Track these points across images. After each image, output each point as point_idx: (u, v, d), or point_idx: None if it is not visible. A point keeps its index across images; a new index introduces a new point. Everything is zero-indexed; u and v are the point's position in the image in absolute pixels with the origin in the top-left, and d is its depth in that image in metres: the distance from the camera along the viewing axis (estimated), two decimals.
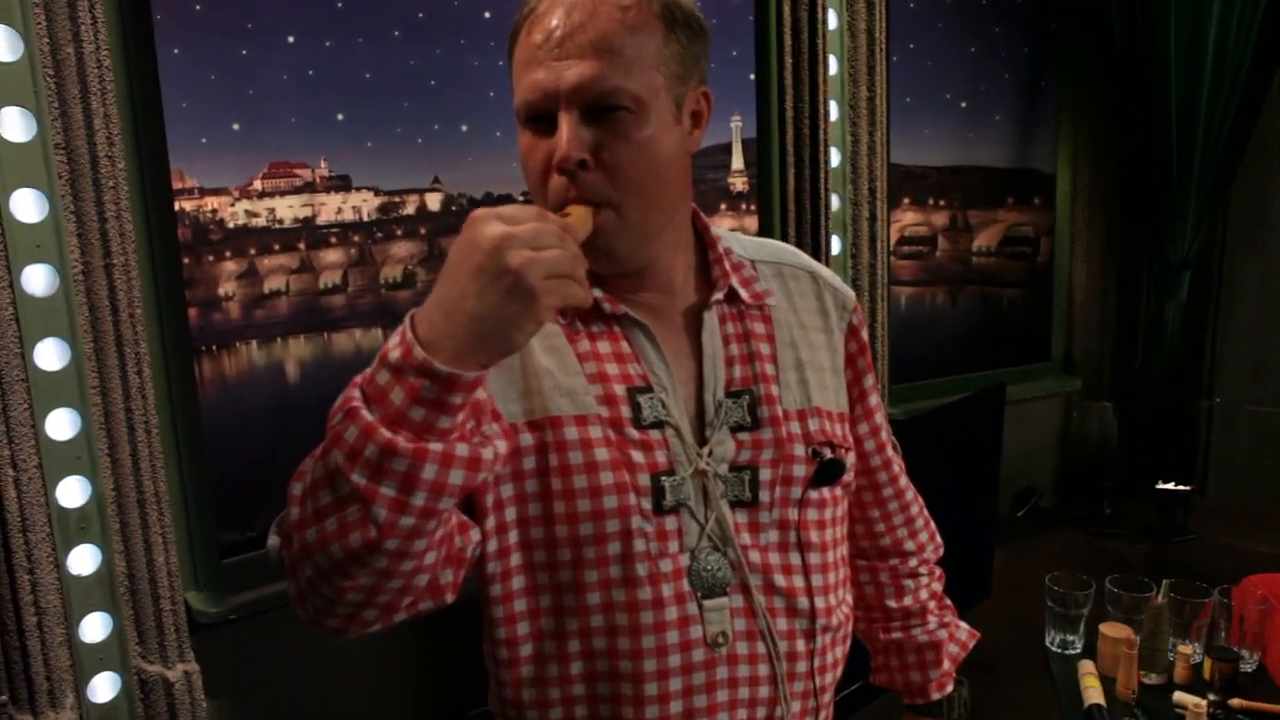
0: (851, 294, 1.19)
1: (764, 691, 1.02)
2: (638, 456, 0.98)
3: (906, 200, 3.19)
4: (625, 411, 0.99)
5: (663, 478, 0.98)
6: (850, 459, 1.12)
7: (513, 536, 0.99)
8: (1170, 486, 2.83)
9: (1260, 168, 3.31)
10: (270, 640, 1.96)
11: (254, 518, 2.07)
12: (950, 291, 3.35)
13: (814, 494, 1.05)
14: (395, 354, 0.77)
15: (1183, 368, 3.37)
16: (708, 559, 1.00)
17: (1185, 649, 1.93)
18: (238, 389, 2.06)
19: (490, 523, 0.98)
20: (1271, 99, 3.13)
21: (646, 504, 0.97)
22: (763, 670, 1.02)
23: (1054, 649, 2.10)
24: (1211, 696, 1.83)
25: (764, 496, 1.02)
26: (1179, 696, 1.85)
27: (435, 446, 0.76)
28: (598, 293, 1.00)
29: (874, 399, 1.21)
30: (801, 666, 1.04)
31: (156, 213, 1.83)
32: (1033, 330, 3.54)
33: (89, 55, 1.52)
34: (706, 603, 0.99)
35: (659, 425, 0.99)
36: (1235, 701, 1.82)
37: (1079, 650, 2.07)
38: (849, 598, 1.15)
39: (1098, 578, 2.09)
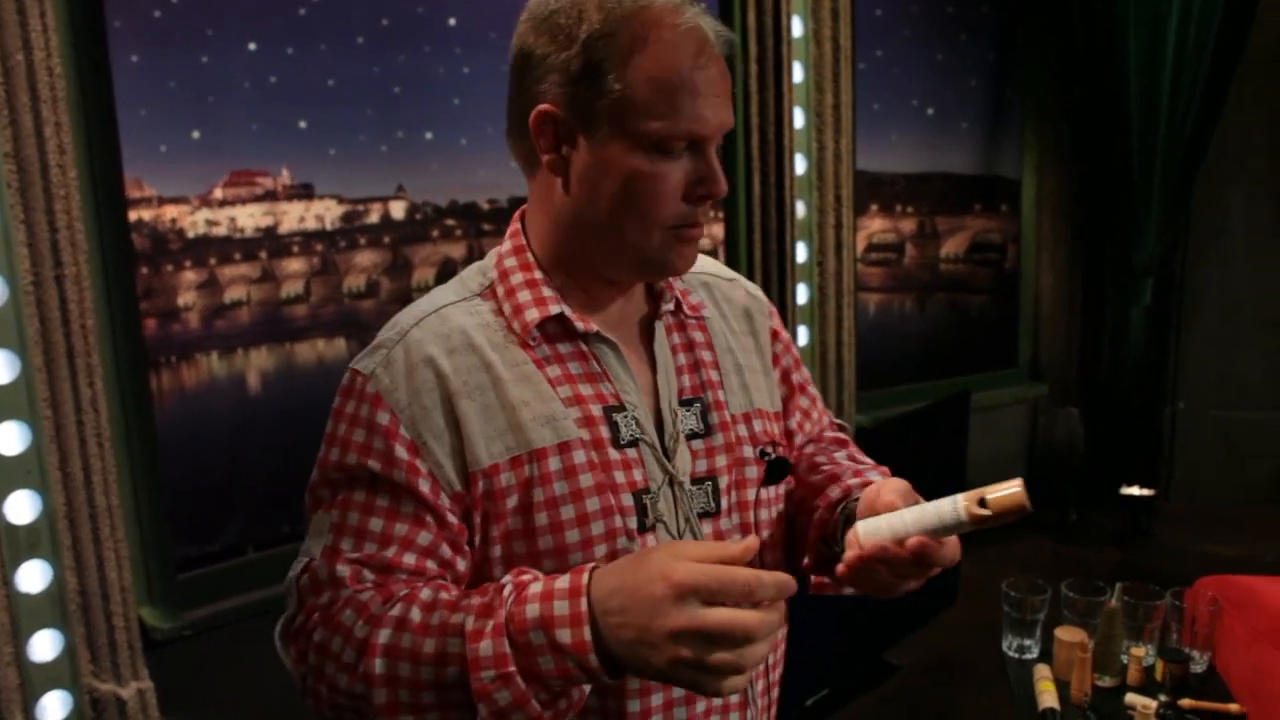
0: (765, 297, 1.22)
1: (734, 697, 1.05)
2: (620, 477, 0.98)
3: (875, 207, 3.21)
4: (604, 431, 0.99)
5: (644, 496, 0.99)
6: (790, 456, 1.15)
7: (497, 573, 0.97)
8: (1134, 491, 2.85)
9: (1219, 177, 3.35)
10: (228, 655, 1.93)
11: (216, 531, 2.04)
12: (919, 298, 3.37)
13: (764, 493, 1.07)
14: (564, 636, 0.81)
15: (1147, 373, 3.40)
16: None
17: (1138, 651, 1.95)
18: (198, 400, 2.03)
19: (466, 565, 0.97)
20: (1228, 108, 3.17)
21: (632, 523, 0.98)
22: None
23: (1011, 654, 2.11)
24: (1162, 697, 1.85)
25: (724, 504, 1.04)
26: (1130, 698, 1.86)
27: (562, 705, 0.84)
28: (567, 311, 1.00)
29: (810, 390, 1.24)
30: (761, 665, 1.07)
31: (110, 222, 1.80)
32: (1000, 336, 3.57)
33: (39, 62, 1.50)
34: None
35: (635, 443, 1.00)
36: (1185, 702, 1.84)
37: (1035, 655, 2.08)
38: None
39: (1062, 583, 2.10)
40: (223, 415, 2.06)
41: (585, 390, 1.00)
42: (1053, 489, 3.14)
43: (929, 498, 0.94)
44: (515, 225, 1.07)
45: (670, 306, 1.07)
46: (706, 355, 1.09)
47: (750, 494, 1.06)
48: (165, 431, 1.94)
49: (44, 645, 1.58)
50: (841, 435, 1.26)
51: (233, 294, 2.06)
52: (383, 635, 0.85)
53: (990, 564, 2.58)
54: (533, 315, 0.99)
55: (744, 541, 0.83)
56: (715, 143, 0.98)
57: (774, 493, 1.09)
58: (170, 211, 1.96)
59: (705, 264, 1.19)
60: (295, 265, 2.14)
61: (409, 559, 0.92)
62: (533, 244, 1.04)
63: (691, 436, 1.04)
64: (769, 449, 1.08)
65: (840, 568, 0.96)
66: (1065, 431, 3.18)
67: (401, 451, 0.93)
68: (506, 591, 0.85)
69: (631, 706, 0.99)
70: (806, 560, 1.10)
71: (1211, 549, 2.75)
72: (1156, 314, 3.38)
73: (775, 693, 1.15)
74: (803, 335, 2.71)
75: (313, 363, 2.19)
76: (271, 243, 2.09)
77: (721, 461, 1.04)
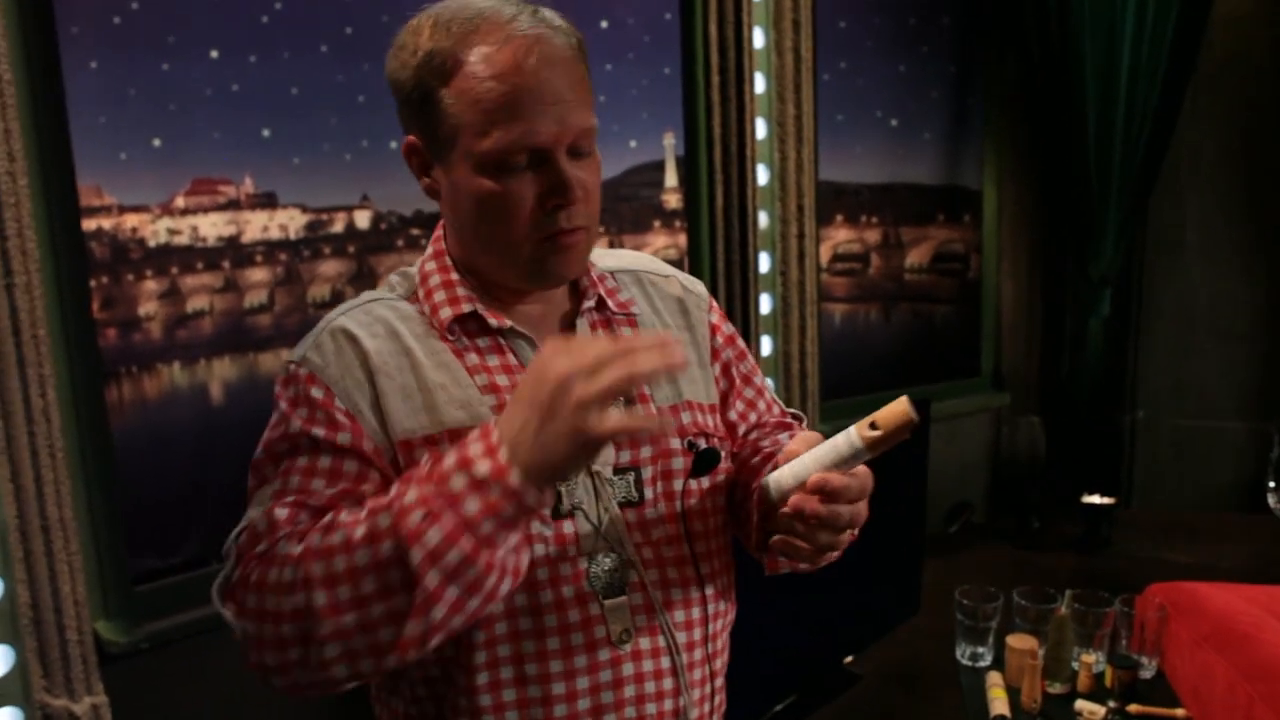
0: (704, 291, 1.24)
1: (667, 684, 1.05)
2: None
3: (840, 217, 3.24)
4: None
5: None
6: (726, 447, 1.16)
7: None
8: (1095, 500, 2.89)
9: (1174, 189, 3.41)
10: (185, 669, 1.91)
11: (178, 543, 2.02)
12: (884, 308, 3.40)
13: (694, 484, 1.09)
14: (483, 468, 0.82)
15: (1106, 382, 3.45)
16: (604, 560, 1.03)
17: (1088, 658, 1.98)
18: (159, 411, 2.01)
19: None
20: (1182, 122, 3.24)
21: (545, 510, 0.98)
22: (665, 663, 1.05)
23: (964, 662, 2.12)
24: (1111, 704, 1.88)
25: (648, 494, 1.06)
26: (1080, 705, 1.89)
27: (499, 556, 0.85)
28: (479, 307, 1.04)
29: (756, 380, 1.25)
30: (698, 654, 1.08)
31: (63, 230, 1.78)
32: (963, 346, 3.61)
33: None
34: (607, 602, 1.02)
35: None
36: (1133, 707, 1.87)
37: (988, 662, 2.10)
38: (733, 581, 1.17)
39: (1014, 590, 2.12)
40: (185, 426, 2.04)
41: (501, 380, 1.03)
42: (1015, 497, 3.18)
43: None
44: (439, 231, 1.11)
45: (591, 304, 1.10)
46: None
47: (678, 484, 1.07)
48: (126, 443, 1.92)
49: None
50: (789, 421, 1.27)
51: (195, 304, 2.04)
52: (314, 539, 0.88)
53: (953, 573, 2.61)
54: (447, 313, 1.03)
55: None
56: (563, 147, 0.97)
57: (705, 484, 1.10)
58: (131, 220, 1.94)
59: (640, 260, 1.21)
60: (259, 275, 2.13)
61: (348, 510, 0.91)
62: (450, 250, 1.08)
63: None
64: (697, 440, 1.10)
65: (772, 539, 0.99)
66: (1027, 440, 3.23)
67: (340, 417, 0.97)
68: (423, 460, 0.88)
69: (558, 711, 1.00)
70: (754, 542, 1.11)
71: (1169, 556, 2.79)
72: (1115, 324, 3.43)
73: (719, 688, 1.13)
74: (766, 345, 2.73)
75: (276, 373, 2.17)
76: (234, 252, 2.08)
77: (646, 453, 1.06)
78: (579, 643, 1.01)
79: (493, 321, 1.04)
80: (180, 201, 2.01)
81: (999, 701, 1.89)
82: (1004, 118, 3.45)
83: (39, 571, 1.58)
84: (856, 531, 1.00)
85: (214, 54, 2.01)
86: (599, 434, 0.82)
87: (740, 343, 1.25)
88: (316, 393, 0.98)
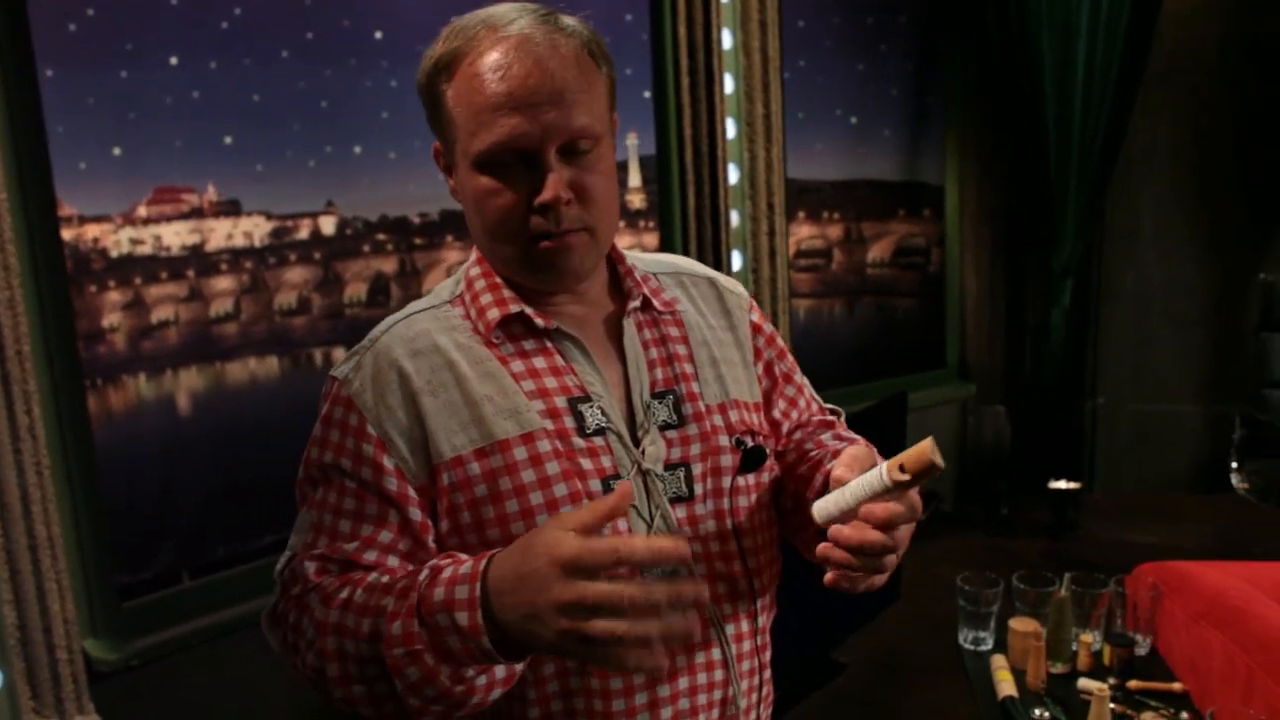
0: (745, 292, 1.25)
1: (718, 675, 1.07)
2: (586, 464, 1.01)
3: (802, 214, 3.26)
4: (569, 422, 1.02)
5: (611, 481, 1.02)
6: (770, 445, 1.17)
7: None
8: (1062, 485, 2.94)
9: (1129, 182, 3.50)
10: (176, 685, 1.88)
11: (149, 558, 1.98)
12: (847, 302, 3.43)
13: (741, 481, 1.09)
14: (463, 619, 0.84)
15: (1068, 370, 3.52)
16: None
17: (1086, 638, 2.04)
18: (126, 424, 1.97)
19: (427, 558, 0.99)
20: (1136, 117, 3.31)
21: None
22: (715, 655, 1.07)
23: (967, 646, 2.17)
24: (1111, 681, 1.93)
25: (698, 490, 1.06)
26: (1083, 683, 1.94)
27: (480, 681, 0.89)
28: (527, 309, 1.05)
29: (796, 379, 1.26)
30: (747, 646, 1.10)
31: (43, 243, 1.75)
32: (928, 338, 3.66)
33: None
34: None
35: (601, 432, 1.03)
36: (1133, 683, 1.93)
37: (990, 646, 2.15)
38: (777, 576, 1.19)
39: (1000, 576, 2.16)
40: (153, 438, 2.01)
41: (550, 383, 1.04)
42: (983, 485, 3.22)
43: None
44: None
45: (637, 304, 1.10)
46: (681, 349, 1.12)
47: (726, 481, 1.08)
48: (97, 457, 1.88)
49: None
50: (829, 418, 1.28)
51: (160, 314, 2.01)
52: (333, 615, 0.92)
53: (929, 560, 2.64)
54: (494, 315, 1.04)
55: (618, 490, 0.86)
56: (551, 148, 0.98)
57: (752, 480, 1.11)
58: (92, 231, 1.90)
59: (678, 262, 1.23)
60: (224, 283, 2.10)
61: (369, 556, 0.98)
62: None
63: (665, 427, 1.07)
64: (745, 438, 1.11)
65: (825, 578, 0.99)
66: (993, 429, 3.27)
67: (369, 449, 1.00)
68: (422, 576, 0.89)
69: (616, 705, 1.02)
70: (817, 555, 1.11)
71: (1134, 537, 2.85)
72: (1074, 314, 3.50)
73: (767, 679, 1.16)
74: None
75: (244, 382, 2.14)
76: (199, 261, 2.04)
77: (695, 450, 1.07)
78: None
79: (539, 322, 1.05)
80: (142, 211, 1.97)
81: (1006, 683, 1.94)
82: (964, 114, 3.51)
83: (26, 591, 1.55)
84: (900, 555, 1.00)
85: (173, 61, 1.98)
86: (577, 632, 0.81)
87: (780, 342, 1.26)
88: (352, 419, 1.01)
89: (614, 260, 1.14)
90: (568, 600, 0.79)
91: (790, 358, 1.26)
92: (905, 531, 0.97)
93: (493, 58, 0.97)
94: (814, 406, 1.28)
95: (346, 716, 1.07)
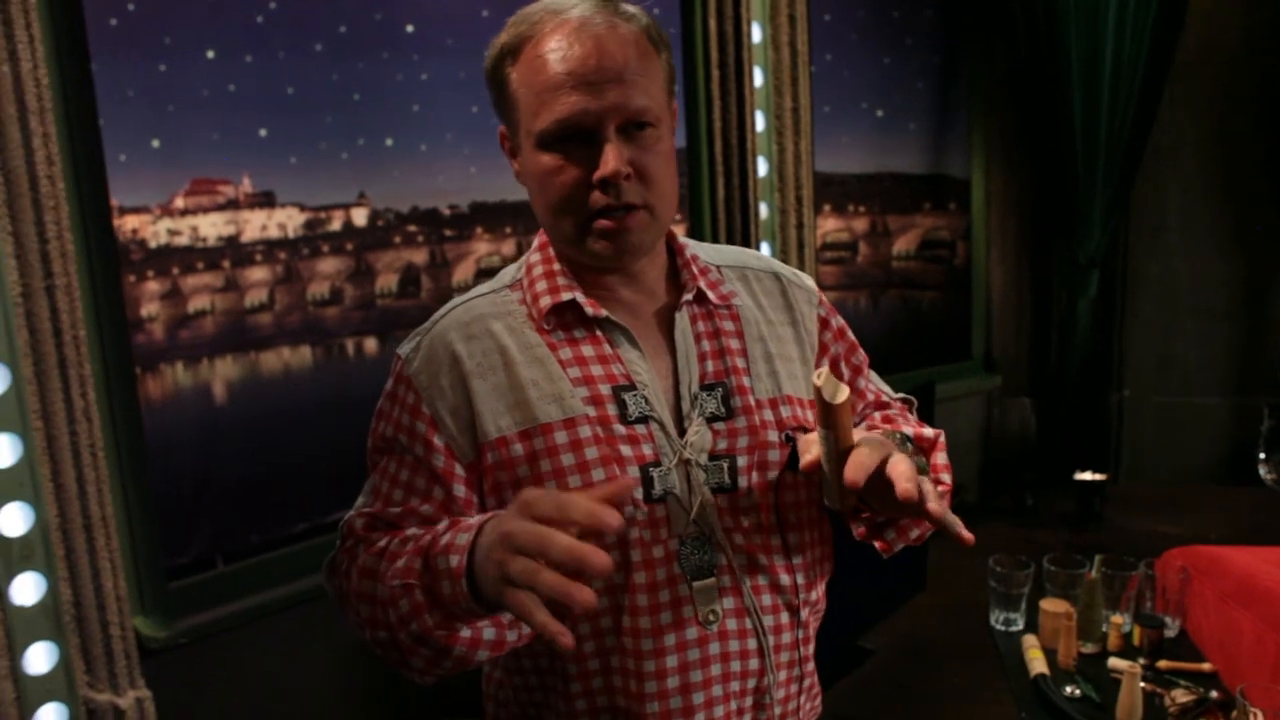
0: (814, 286, 1.26)
1: (753, 664, 1.09)
2: (626, 450, 1.04)
3: (827, 207, 3.27)
4: (611, 409, 1.05)
5: (650, 469, 1.04)
6: None
7: None
8: (1087, 476, 2.94)
9: (1156, 173, 3.49)
10: (223, 663, 1.93)
11: (189, 540, 2.02)
12: (872, 295, 3.43)
13: (790, 476, 1.10)
14: (454, 560, 0.90)
15: (1093, 362, 3.51)
16: (694, 543, 1.06)
17: (1117, 619, 2.06)
18: (164, 412, 2.01)
19: None
20: (1163, 109, 3.30)
21: (638, 494, 1.04)
22: (751, 644, 1.09)
23: (998, 627, 2.20)
24: (1141, 660, 1.94)
25: (742, 482, 1.08)
26: (1114, 662, 1.95)
27: (464, 634, 0.95)
28: (579, 297, 1.08)
29: (868, 372, 1.29)
30: (786, 638, 1.11)
31: (96, 231, 1.79)
32: (953, 330, 3.65)
33: (26, 74, 1.48)
34: (696, 584, 1.06)
35: (644, 420, 1.05)
36: (1162, 663, 1.94)
37: (1021, 627, 2.17)
38: (827, 572, 1.21)
39: (1044, 558, 2.18)
40: (190, 426, 2.04)
41: (596, 371, 1.07)
42: (1009, 476, 3.22)
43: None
44: None
45: (689, 296, 1.12)
46: (734, 343, 1.13)
47: (772, 475, 1.09)
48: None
49: (39, 657, 1.57)
50: (889, 402, 1.30)
51: (196, 304, 2.04)
52: (369, 561, 1.01)
53: (954, 550, 2.64)
54: (546, 301, 1.08)
55: (616, 482, 0.94)
56: (611, 126, 1.01)
57: (802, 477, 1.11)
58: (131, 221, 1.94)
59: (744, 256, 1.24)
60: (258, 274, 2.12)
61: (410, 523, 1.05)
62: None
63: (713, 419, 1.08)
64: (795, 433, 1.12)
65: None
66: (1019, 420, 3.27)
67: (421, 426, 1.07)
68: (443, 524, 0.97)
69: (649, 687, 1.04)
70: (859, 529, 1.15)
71: (1158, 528, 2.84)
72: (1100, 305, 3.50)
73: (809, 671, 1.18)
74: None
75: (279, 371, 2.17)
76: (234, 252, 2.07)
77: (743, 443, 1.09)
78: (668, 621, 1.05)
79: (589, 310, 1.08)
80: (179, 202, 2.00)
81: (1037, 662, 1.96)
82: (990, 107, 3.50)
83: (81, 570, 1.59)
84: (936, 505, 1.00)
85: (210, 54, 2.01)
86: (503, 566, 0.84)
87: (850, 336, 1.27)
88: (409, 397, 1.08)
89: (674, 251, 1.16)
90: (507, 529, 0.84)
91: (863, 353, 1.28)
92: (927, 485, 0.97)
93: (555, 40, 1.01)
94: (883, 399, 1.29)
95: (377, 691, 1.12)
